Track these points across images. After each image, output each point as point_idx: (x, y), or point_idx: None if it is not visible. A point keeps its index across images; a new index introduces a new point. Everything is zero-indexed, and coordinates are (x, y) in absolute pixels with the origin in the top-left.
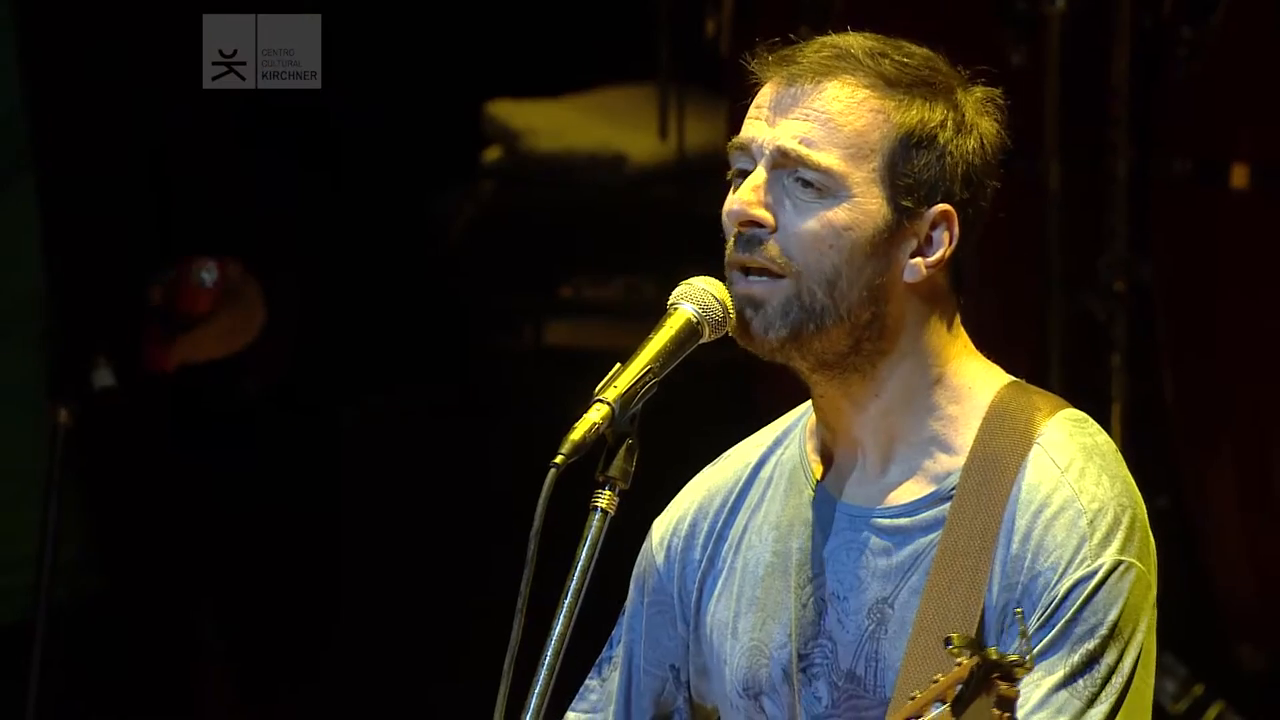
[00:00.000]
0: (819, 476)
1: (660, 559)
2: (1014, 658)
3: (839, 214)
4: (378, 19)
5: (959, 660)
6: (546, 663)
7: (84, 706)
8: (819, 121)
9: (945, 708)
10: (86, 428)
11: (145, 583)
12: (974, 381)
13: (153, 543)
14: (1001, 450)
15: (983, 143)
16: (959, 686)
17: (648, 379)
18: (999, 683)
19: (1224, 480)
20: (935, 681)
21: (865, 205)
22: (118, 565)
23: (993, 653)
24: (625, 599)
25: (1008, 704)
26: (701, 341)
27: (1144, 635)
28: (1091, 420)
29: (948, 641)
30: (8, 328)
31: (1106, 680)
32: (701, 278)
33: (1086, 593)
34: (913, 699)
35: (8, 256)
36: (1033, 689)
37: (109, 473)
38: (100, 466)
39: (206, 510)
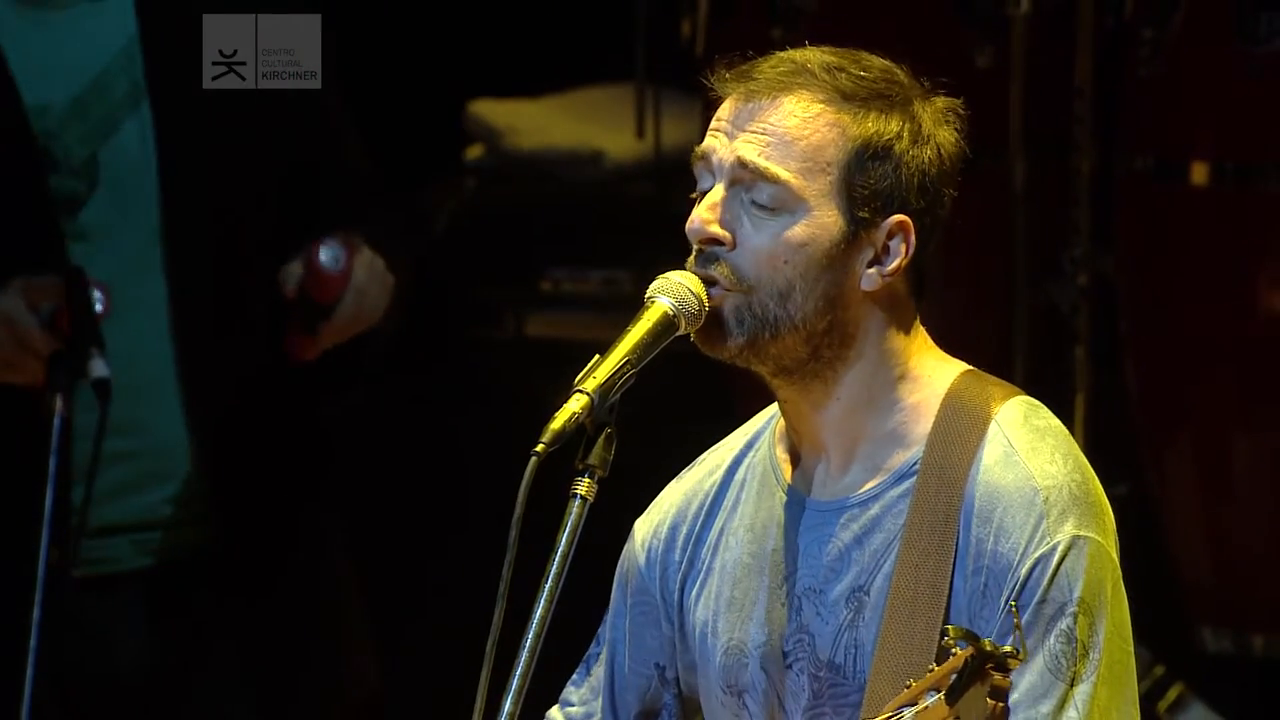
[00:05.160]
0: (788, 477)
1: (642, 561)
2: (1008, 649)
3: (796, 230)
4: (362, 19)
5: (954, 650)
6: (527, 647)
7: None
8: (775, 137)
9: (940, 696)
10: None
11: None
12: (931, 373)
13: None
14: (960, 431)
15: (940, 152)
16: (953, 676)
17: (626, 370)
18: (993, 673)
19: (1184, 467)
20: (931, 670)
21: (822, 219)
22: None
23: (987, 644)
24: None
25: (1001, 694)
26: (678, 334)
27: (1111, 606)
28: (1044, 406)
29: (944, 634)
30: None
31: (1085, 656)
32: (678, 272)
33: (1049, 572)
34: (908, 687)
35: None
36: (1017, 675)
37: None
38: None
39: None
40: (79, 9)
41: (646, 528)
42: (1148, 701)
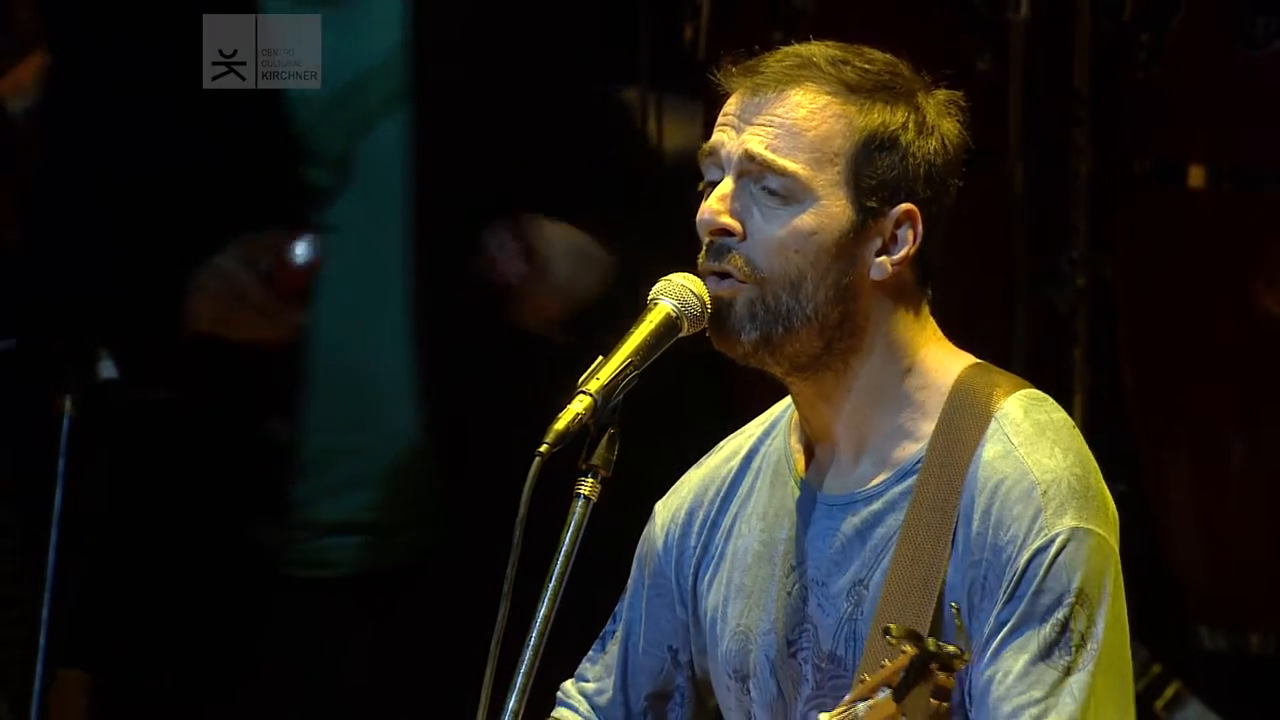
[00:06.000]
0: (801, 469)
1: (660, 543)
2: (952, 649)
3: (805, 220)
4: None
5: (902, 649)
6: (531, 644)
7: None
8: (783, 129)
9: (889, 693)
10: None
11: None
12: (940, 366)
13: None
14: (963, 427)
15: (944, 143)
16: (902, 673)
17: (629, 371)
18: (937, 673)
19: (1181, 467)
20: (883, 666)
21: (830, 209)
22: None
23: (931, 644)
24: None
25: (944, 693)
26: (680, 335)
27: (1111, 597)
28: (1050, 399)
29: (886, 631)
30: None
31: (1081, 646)
32: (680, 274)
33: (1046, 562)
34: (863, 682)
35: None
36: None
37: None
38: None
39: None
40: (352, 8)
41: (666, 512)
42: (1145, 699)
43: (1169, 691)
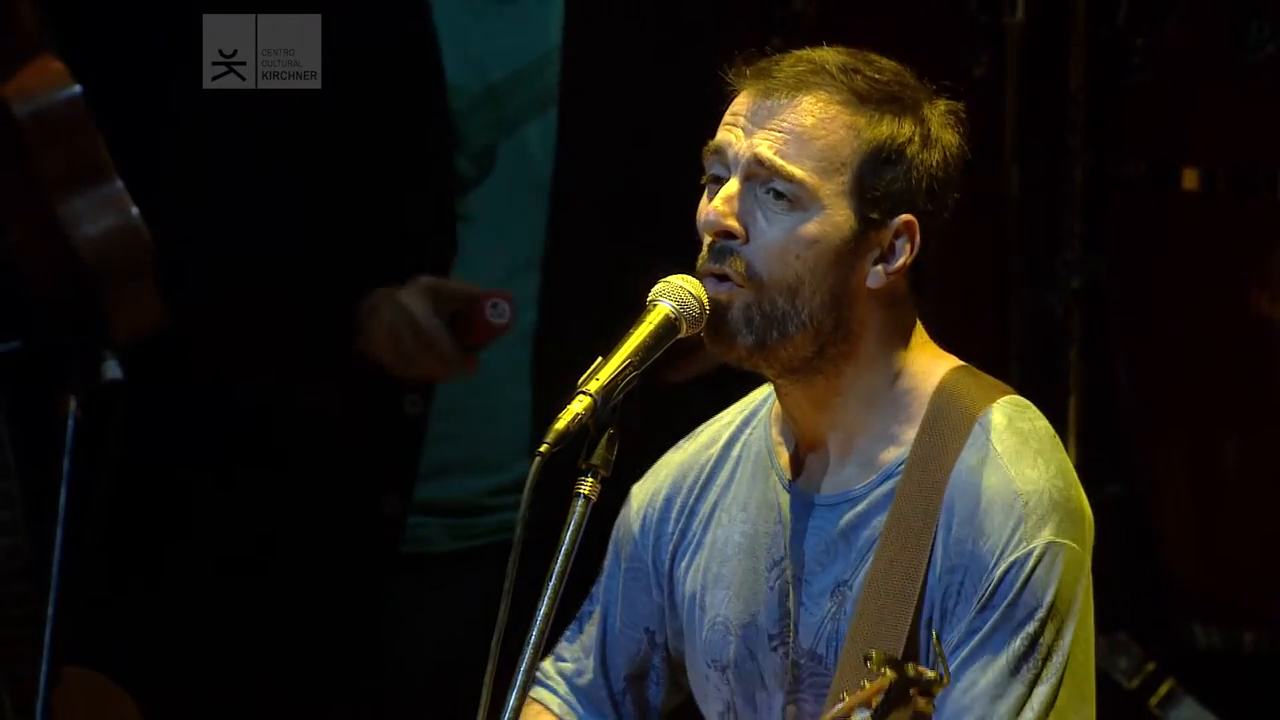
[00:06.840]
0: (785, 464)
1: (636, 528)
2: (931, 675)
3: (809, 227)
4: (361, 25)
5: (881, 670)
6: (531, 643)
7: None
8: (793, 135)
9: (869, 714)
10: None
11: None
12: (924, 370)
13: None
14: (944, 432)
15: (946, 155)
16: (881, 697)
17: (628, 372)
18: (917, 698)
19: (1175, 467)
20: (863, 687)
21: (834, 217)
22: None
23: (910, 669)
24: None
25: (923, 719)
26: (679, 337)
27: (1080, 612)
28: (1032, 406)
29: (866, 659)
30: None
31: (1047, 659)
32: (679, 275)
33: (1023, 575)
34: (842, 700)
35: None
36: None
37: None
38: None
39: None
40: (514, 8)
41: (642, 495)
42: (1139, 697)
43: (1163, 689)
